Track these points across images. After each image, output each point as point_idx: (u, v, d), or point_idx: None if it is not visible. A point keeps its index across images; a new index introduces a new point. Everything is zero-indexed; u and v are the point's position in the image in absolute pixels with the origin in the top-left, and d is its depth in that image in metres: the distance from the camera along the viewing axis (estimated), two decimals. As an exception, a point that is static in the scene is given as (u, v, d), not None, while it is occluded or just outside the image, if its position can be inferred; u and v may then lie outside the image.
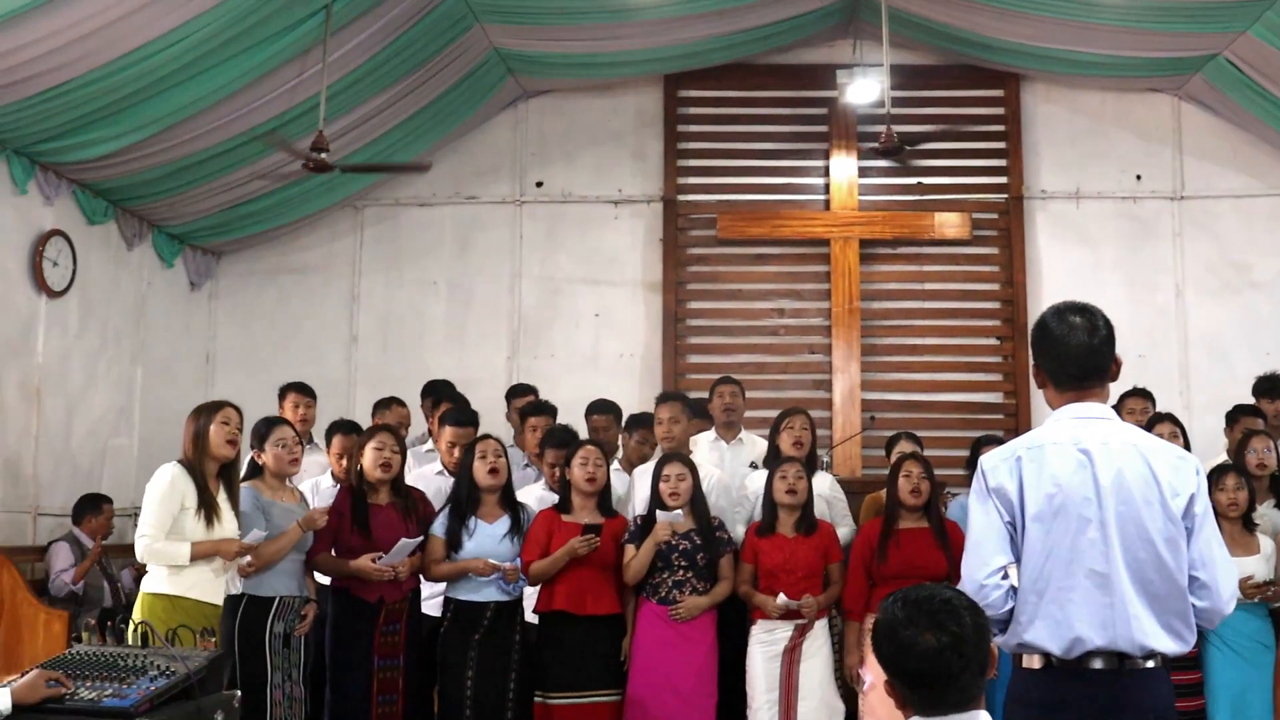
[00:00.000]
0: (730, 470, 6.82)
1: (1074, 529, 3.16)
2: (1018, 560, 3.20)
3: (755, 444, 7.03)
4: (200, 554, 5.18)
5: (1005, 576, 3.18)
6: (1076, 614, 3.12)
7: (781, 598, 5.83)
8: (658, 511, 5.94)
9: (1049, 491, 3.19)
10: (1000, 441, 7.86)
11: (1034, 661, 3.19)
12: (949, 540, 5.94)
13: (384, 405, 7.57)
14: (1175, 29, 8.53)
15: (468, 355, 9.76)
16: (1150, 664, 3.14)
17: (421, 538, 5.97)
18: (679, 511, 5.96)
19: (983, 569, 3.19)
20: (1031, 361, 3.44)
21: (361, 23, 7.59)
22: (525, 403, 7.48)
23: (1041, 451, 3.24)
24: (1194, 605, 3.17)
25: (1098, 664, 3.12)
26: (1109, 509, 3.16)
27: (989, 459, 3.32)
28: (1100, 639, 3.11)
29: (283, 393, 7.43)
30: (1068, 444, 3.23)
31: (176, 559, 5.15)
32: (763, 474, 6.42)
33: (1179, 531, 3.17)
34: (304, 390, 7.37)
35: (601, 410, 7.20)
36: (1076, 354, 3.29)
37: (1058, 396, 3.36)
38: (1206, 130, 9.84)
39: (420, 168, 8.75)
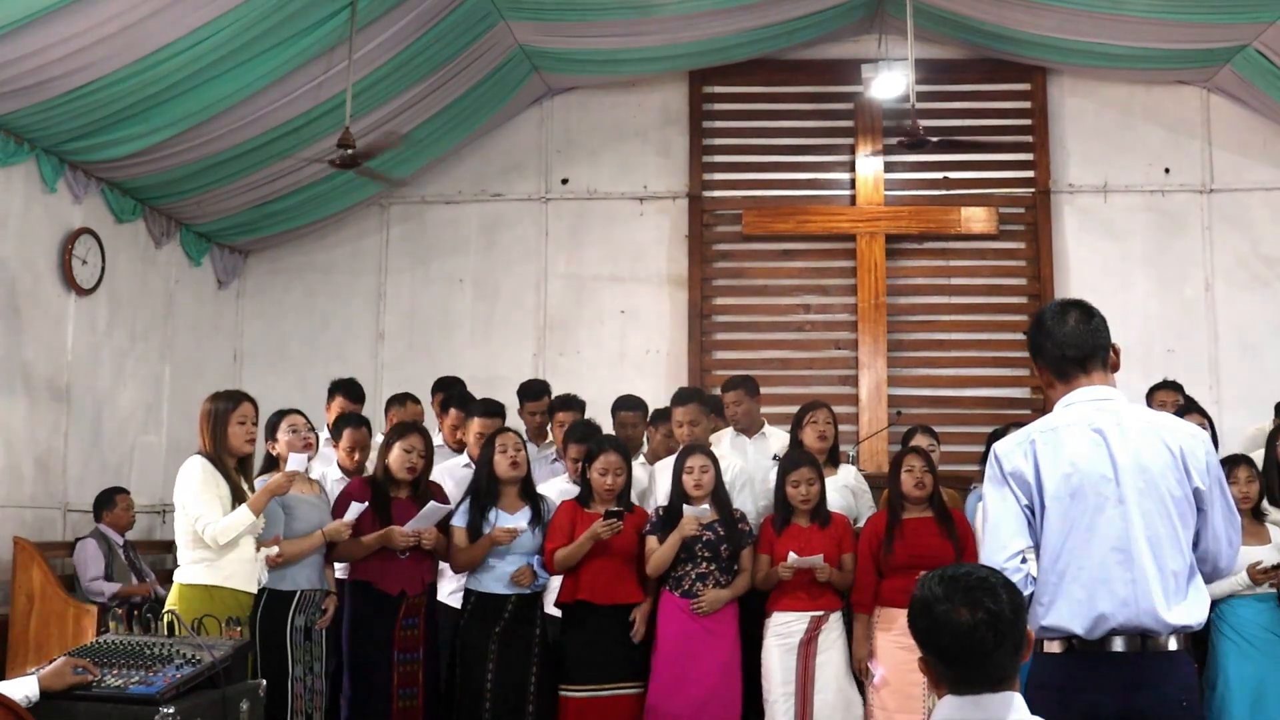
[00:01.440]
0: (754, 464, 6.79)
1: (1093, 508, 3.17)
2: (1036, 545, 3.21)
3: (780, 438, 7.01)
4: (257, 507, 5.21)
5: (1024, 561, 3.18)
6: (1099, 592, 3.12)
7: (792, 556, 5.78)
8: (685, 506, 5.93)
9: (1065, 472, 3.19)
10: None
11: (1055, 646, 3.18)
12: (955, 528, 5.94)
13: (398, 401, 7.60)
14: (1203, 20, 8.48)
15: (494, 353, 9.78)
16: (1173, 645, 3.14)
17: (451, 506, 5.98)
18: (705, 507, 5.95)
19: (1001, 552, 3.19)
20: (1036, 367, 3.48)
21: (386, 20, 7.62)
22: (552, 399, 7.46)
23: (1055, 434, 3.26)
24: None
25: (1120, 645, 3.12)
26: (1127, 486, 3.16)
27: (1003, 445, 3.34)
28: (1123, 616, 3.11)
29: (331, 392, 7.49)
30: (1081, 425, 3.24)
31: (244, 524, 5.14)
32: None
33: (1192, 507, 3.21)
34: (350, 394, 7.40)
35: (629, 406, 7.20)
36: (1073, 337, 3.33)
37: (1064, 388, 3.37)
38: (1236, 122, 9.77)
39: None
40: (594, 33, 8.98)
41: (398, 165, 9.22)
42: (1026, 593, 3.16)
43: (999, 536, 3.23)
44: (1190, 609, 3.16)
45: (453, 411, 7.28)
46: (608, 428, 6.97)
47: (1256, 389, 8.64)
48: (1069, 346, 3.33)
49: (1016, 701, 2.50)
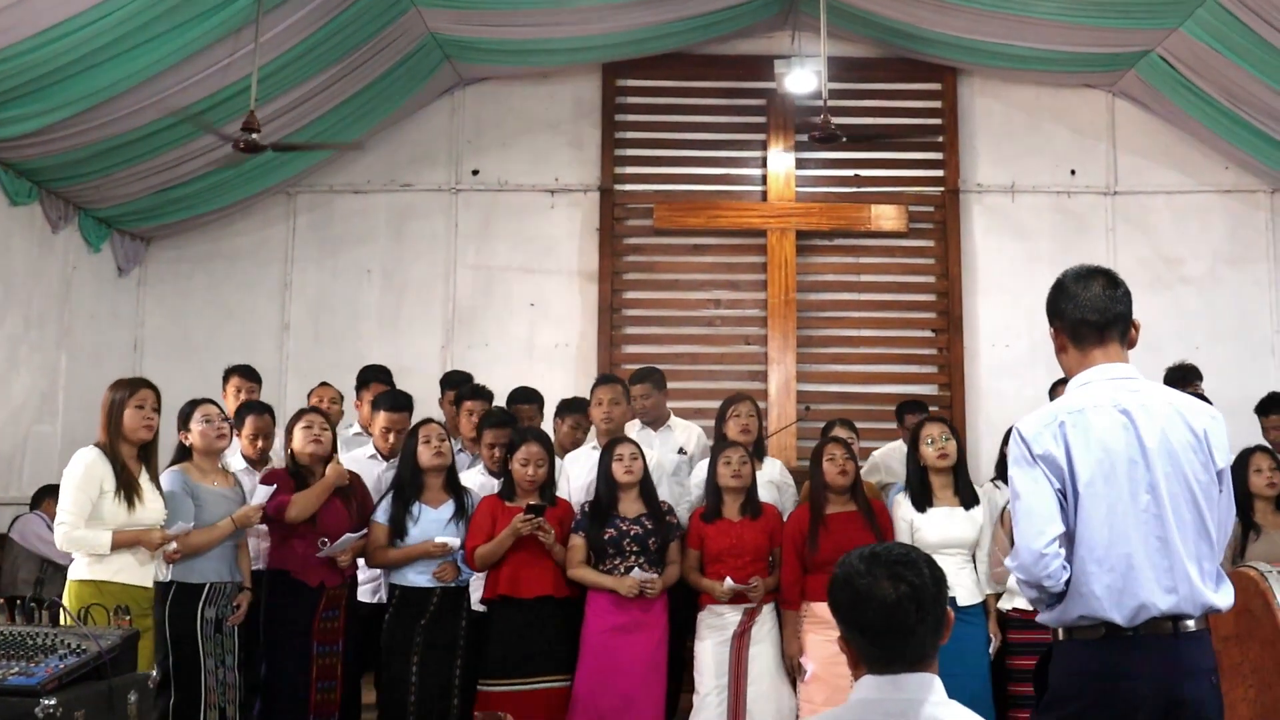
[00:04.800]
0: (661, 457, 6.74)
1: (1128, 494, 3.14)
2: (1070, 530, 3.16)
3: (686, 430, 6.99)
4: (121, 543, 5.07)
5: (1062, 546, 3.14)
6: (1140, 580, 3.10)
7: (728, 582, 5.76)
8: (635, 570, 5.82)
9: (1098, 457, 3.15)
10: (923, 408, 7.94)
11: (1090, 632, 3.15)
12: (877, 520, 5.95)
13: (312, 391, 7.49)
14: (1109, 24, 8.59)
15: (402, 344, 9.67)
16: (1199, 626, 3.14)
17: (364, 531, 5.90)
18: (654, 575, 5.86)
19: (1040, 538, 3.13)
20: (1048, 327, 3.41)
21: (294, 3, 7.46)
22: (461, 389, 7.37)
23: (1083, 416, 3.20)
24: None
25: (1157, 628, 3.10)
26: (1157, 470, 3.14)
27: (1028, 426, 3.25)
28: (1165, 604, 3.09)
29: (226, 376, 7.35)
30: (1108, 406, 3.20)
31: (96, 548, 5.03)
32: (703, 466, 6.37)
33: (1215, 489, 3.20)
34: (248, 374, 7.27)
35: (526, 399, 7.15)
36: (1096, 302, 3.27)
37: (1080, 356, 3.32)
38: (1140, 126, 9.95)
39: (354, 146, 8.60)
40: (507, 22, 8.88)
41: (308, 154, 9.10)
42: (1063, 579, 3.14)
43: (1035, 521, 3.15)
44: (1223, 591, 3.17)
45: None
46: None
47: (1157, 389, 8.78)
48: (1091, 311, 3.28)
49: (936, 684, 2.47)
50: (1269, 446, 6.56)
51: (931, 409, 8.72)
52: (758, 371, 9.63)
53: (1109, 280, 3.31)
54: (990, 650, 5.84)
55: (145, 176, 8.52)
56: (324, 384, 7.59)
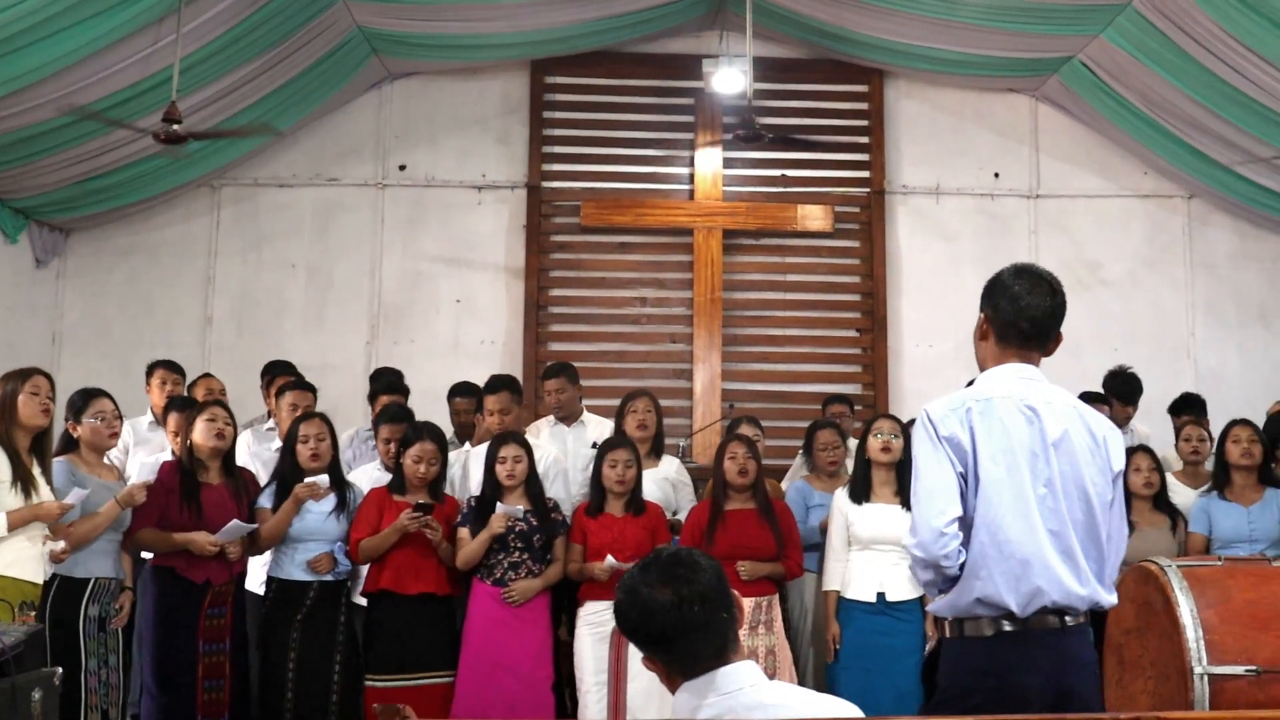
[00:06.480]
0: (574, 453, 6.77)
1: (1028, 484, 3.18)
2: (971, 515, 3.19)
3: (600, 426, 7.00)
4: (17, 522, 4.95)
5: (960, 529, 3.18)
6: (1034, 569, 3.15)
7: (609, 560, 5.77)
8: (499, 504, 5.86)
9: (1001, 446, 3.19)
10: (849, 403, 8.00)
11: (983, 628, 3.19)
12: (776, 519, 5.99)
13: (194, 383, 7.42)
14: (1032, 30, 8.70)
15: (326, 340, 9.60)
16: (1082, 620, 3.21)
17: (255, 525, 5.85)
18: (520, 507, 5.90)
19: (941, 517, 3.17)
20: (979, 313, 3.42)
21: (218, -8, 7.39)
22: (375, 385, 7.35)
23: (991, 405, 3.23)
24: None
25: (1046, 623, 3.16)
26: (1055, 466, 3.20)
27: (936, 409, 3.28)
28: (1056, 594, 3.15)
29: (150, 369, 7.27)
30: (1014, 399, 3.24)
31: None
32: None
33: (1109, 491, 3.28)
34: (173, 368, 7.20)
35: (464, 394, 7.14)
36: (1034, 314, 3.30)
37: (998, 353, 3.36)
38: (1062, 131, 10.08)
39: (269, 130, 8.46)
40: (435, 17, 8.84)
41: (231, 145, 9.00)
42: (959, 561, 3.17)
43: (935, 501, 3.19)
44: (1108, 590, 3.25)
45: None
46: (442, 415, 6.88)
47: (1076, 389, 8.85)
48: (1026, 320, 3.31)
49: (748, 668, 2.46)
50: (1149, 447, 6.70)
51: (856, 408, 8.80)
52: (683, 370, 9.66)
53: (1051, 291, 3.34)
54: (925, 649, 5.89)
55: (65, 167, 8.37)
56: (208, 375, 7.50)
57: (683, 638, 2.43)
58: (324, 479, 5.88)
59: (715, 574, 2.48)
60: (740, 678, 2.43)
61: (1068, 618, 3.18)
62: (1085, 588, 3.18)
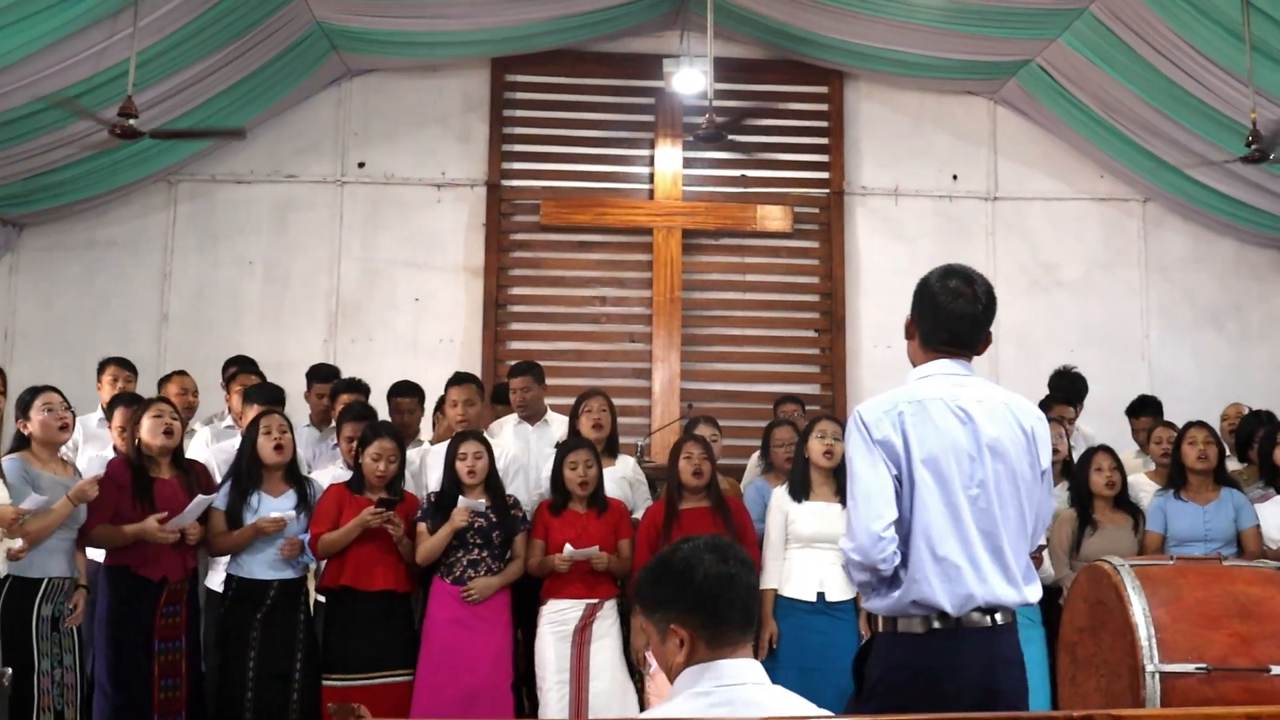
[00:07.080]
0: (537, 451, 6.77)
1: (960, 486, 3.20)
2: (906, 515, 3.21)
3: (564, 425, 6.99)
4: None
5: (896, 531, 3.20)
6: (967, 571, 3.18)
7: (568, 548, 5.78)
8: (460, 498, 5.85)
9: (934, 450, 3.21)
10: (800, 404, 8.01)
11: (914, 625, 3.21)
12: (731, 517, 6.00)
13: (166, 379, 7.34)
14: (992, 33, 8.76)
15: (284, 337, 9.54)
16: (1011, 619, 3.25)
17: (215, 495, 5.80)
18: (481, 502, 5.89)
19: (878, 521, 3.18)
20: (908, 314, 3.42)
21: (175, -14, 7.33)
22: (336, 383, 7.31)
23: (923, 407, 3.25)
24: None
25: (975, 622, 3.19)
26: (989, 467, 3.22)
27: (869, 411, 3.28)
28: (988, 595, 3.18)
29: (102, 366, 7.20)
30: (947, 400, 3.26)
31: None
32: None
33: (1038, 487, 3.31)
34: (124, 364, 7.14)
35: (405, 393, 7.12)
36: (953, 322, 3.30)
37: (923, 354, 3.37)
38: (1020, 134, 10.16)
39: (236, 134, 8.45)
40: (395, 13, 8.81)
41: (189, 142, 8.92)
42: (894, 564, 3.19)
43: (873, 504, 3.20)
44: (1034, 587, 3.29)
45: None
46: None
47: (1033, 389, 8.93)
48: (947, 331, 3.32)
49: (751, 666, 2.50)
50: (1111, 447, 6.74)
51: (812, 408, 8.83)
52: (642, 369, 9.66)
53: (975, 298, 3.31)
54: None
55: (17, 160, 8.26)
56: (181, 373, 7.41)
57: (726, 593, 2.48)
58: (291, 513, 5.81)
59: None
60: (744, 673, 2.47)
61: (998, 615, 3.22)
62: (1014, 589, 3.22)
